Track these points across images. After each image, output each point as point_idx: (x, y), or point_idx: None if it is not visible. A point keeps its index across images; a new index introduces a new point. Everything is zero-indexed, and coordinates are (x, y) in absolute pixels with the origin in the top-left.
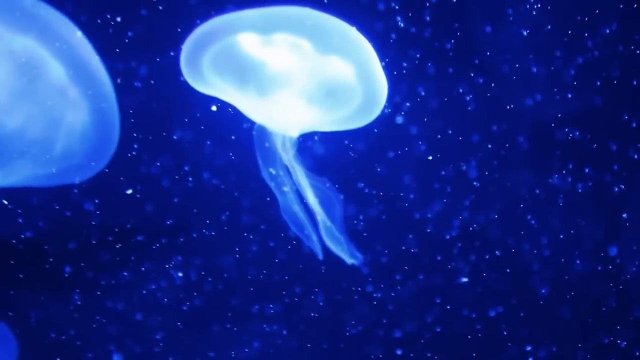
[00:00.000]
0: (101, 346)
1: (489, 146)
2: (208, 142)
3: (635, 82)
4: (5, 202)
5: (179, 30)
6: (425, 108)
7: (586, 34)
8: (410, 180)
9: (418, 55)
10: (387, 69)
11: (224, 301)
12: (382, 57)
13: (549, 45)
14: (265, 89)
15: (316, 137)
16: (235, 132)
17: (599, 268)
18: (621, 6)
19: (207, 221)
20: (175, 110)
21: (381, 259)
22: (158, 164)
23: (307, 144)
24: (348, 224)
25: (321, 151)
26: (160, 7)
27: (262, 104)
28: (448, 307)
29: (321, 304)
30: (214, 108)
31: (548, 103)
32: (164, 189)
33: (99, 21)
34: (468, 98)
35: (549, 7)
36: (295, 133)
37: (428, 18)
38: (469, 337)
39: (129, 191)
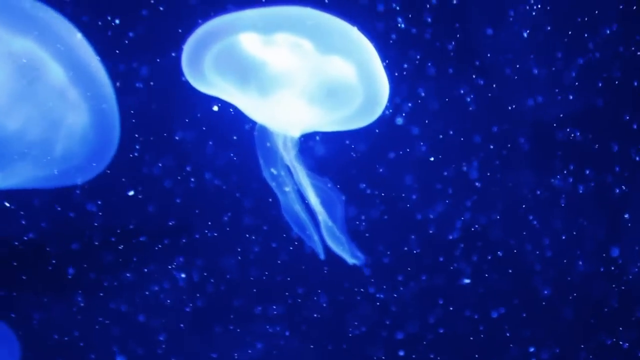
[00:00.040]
0: (104, 347)
1: (491, 147)
2: (210, 143)
3: (635, 83)
4: (7, 204)
5: (180, 30)
6: (427, 109)
7: (587, 35)
8: (412, 181)
9: (419, 56)
10: (389, 70)
11: (226, 302)
12: (383, 58)
13: (550, 46)
14: (266, 88)
15: (317, 137)
16: (236, 132)
17: (601, 269)
18: (621, 7)
19: (209, 222)
20: (177, 111)
21: (383, 259)
22: (160, 164)
23: (308, 144)
24: (350, 225)
25: (323, 151)
26: (161, 8)
27: (263, 104)
28: (450, 308)
29: (324, 305)
30: (215, 108)
31: (549, 104)
32: (166, 189)
33: (100, 22)
34: (469, 99)
35: (549, 8)
36: (296, 133)
37: (429, 19)
38: (472, 338)
39: (131, 192)
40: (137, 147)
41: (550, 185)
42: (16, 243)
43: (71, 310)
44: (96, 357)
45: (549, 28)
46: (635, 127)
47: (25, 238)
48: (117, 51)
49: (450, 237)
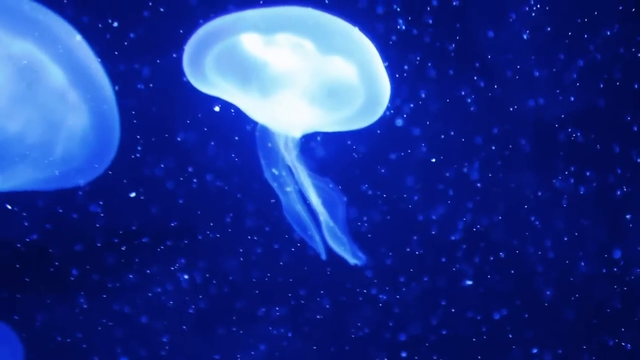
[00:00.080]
0: (107, 349)
1: (493, 148)
2: (212, 143)
3: (636, 85)
4: (10, 206)
5: (181, 31)
6: (428, 110)
7: (587, 36)
8: (414, 182)
9: (420, 57)
10: (389, 71)
11: (229, 304)
12: (384, 59)
13: (550, 47)
14: (267, 89)
15: (319, 138)
16: (238, 133)
17: (603, 270)
18: (620, 8)
19: (211, 223)
20: (178, 112)
21: (386, 261)
22: (162, 165)
23: (309, 144)
24: (352, 226)
25: (324, 152)
26: (162, 9)
27: (265, 104)
28: (453, 309)
29: (327, 306)
30: (216, 109)
31: (550, 105)
32: (168, 190)
33: (101, 23)
34: (470, 100)
35: (550, 9)
36: (297, 133)
37: (430, 20)
38: (474, 339)
39: (133, 194)
40: (139, 148)
41: (552, 186)
42: (19, 245)
43: (74, 311)
44: (99, 359)
45: (549, 29)
46: (635, 128)
47: (28, 240)
48: (119, 52)
49: (452, 238)
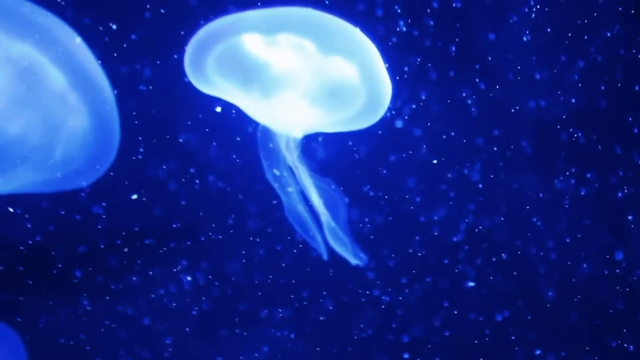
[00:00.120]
0: (110, 351)
1: (495, 149)
2: (213, 144)
3: (637, 87)
4: (12, 209)
5: (182, 32)
6: (429, 111)
7: (588, 37)
8: (416, 183)
9: (421, 58)
10: (391, 72)
11: (232, 305)
12: (385, 60)
13: (551, 49)
14: (269, 89)
15: (320, 139)
16: (239, 133)
17: (606, 271)
18: (620, 9)
19: (213, 225)
20: (180, 113)
21: (388, 262)
22: (164, 167)
23: (311, 145)
24: (354, 227)
25: (325, 152)
26: (163, 10)
27: (266, 105)
28: (455, 311)
29: (329, 308)
30: (218, 109)
31: (551, 106)
32: (171, 192)
33: (102, 24)
34: (472, 101)
35: (551, 11)
36: (299, 134)
37: (431, 21)
38: (477, 341)
39: (134, 196)
40: (141, 149)
41: (554, 187)
42: (21, 247)
43: (77, 313)
44: None
45: (550, 31)
46: (636, 130)
47: (31, 242)
48: (120, 53)
49: (454, 240)
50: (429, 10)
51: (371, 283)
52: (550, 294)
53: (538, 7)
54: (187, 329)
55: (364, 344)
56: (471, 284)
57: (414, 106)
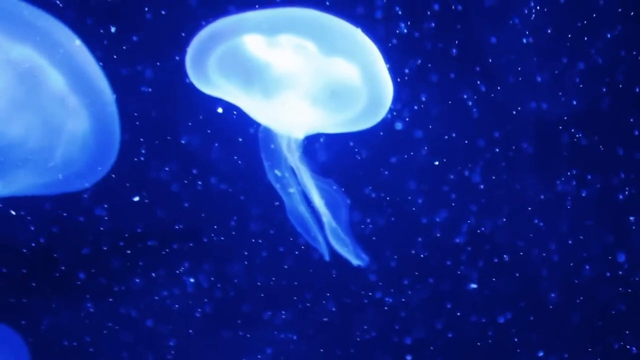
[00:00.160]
0: (113, 353)
1: (496, 150)
2: (215, 145)
3: (638, 89)
4: (15, 211)
5: (183, 34)
6: (430, 112)
7: (589, 39)
8: (418, 184)
9: (422, 60)
10: (392, 73)
11: (234, 307)
12: (386, 62)
13: (552, 50)
14: (270, 90)
15: (322, 139)
16: (241, 134)
17: (608, 272)
18: (621, 10)
19: (216, 226)
20: (182, 114)
21: (390, 263)
22: (166, 168)
23: (312, 146)
24: (355, 228)
25: (327, 153)
26: (164, 12)
27: (268, 106)
28: (458, 313)
29: (332, 309)
30: (219, 110)
31: (552, 107)
32: (173, 193)
33: (103, 26)
34: (473, 102)
35: (551, 12)
36: (300, 134)
37: (432, 23)
38: (479, 343)
39: (136, 198)
40: (143, 151)
41: (555, 189)
42: (24, 249)
43: (80, 315)
44: None
45: (550, 32)
46: (637, 132)
47: (34, 244)
48: (121, 55)
49: (457, 241)
50: (429, 12)
51: (374, 285)
52: (553, 295)
53: (538, 8)
54: (190, 331)
55: (367, 345)
56: (473, 285)
57: (415, 107)
